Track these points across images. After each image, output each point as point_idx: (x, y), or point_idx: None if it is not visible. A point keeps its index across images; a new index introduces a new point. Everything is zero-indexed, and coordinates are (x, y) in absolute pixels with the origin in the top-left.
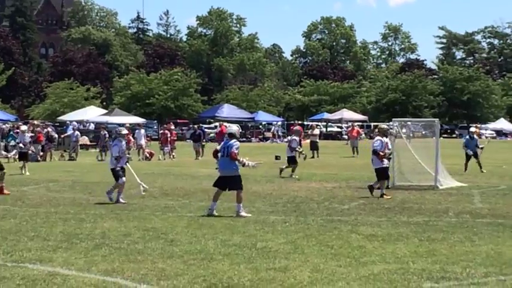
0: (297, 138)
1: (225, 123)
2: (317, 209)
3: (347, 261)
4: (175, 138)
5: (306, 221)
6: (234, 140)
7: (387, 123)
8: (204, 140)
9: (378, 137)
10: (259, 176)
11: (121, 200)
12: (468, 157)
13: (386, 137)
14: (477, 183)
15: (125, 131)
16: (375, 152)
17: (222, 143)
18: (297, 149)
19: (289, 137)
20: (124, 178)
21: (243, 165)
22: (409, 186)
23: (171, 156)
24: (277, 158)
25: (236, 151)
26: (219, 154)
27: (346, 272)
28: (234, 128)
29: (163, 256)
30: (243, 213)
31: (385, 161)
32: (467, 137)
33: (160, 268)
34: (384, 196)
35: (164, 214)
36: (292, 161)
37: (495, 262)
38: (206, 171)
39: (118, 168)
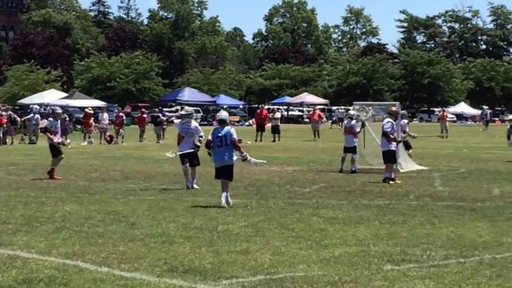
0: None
1: (187, 107)
2: (278, 192)
3: (308, 244)
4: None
5: (267, 204)
6: (229, 127)
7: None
8: (165, 124)
9: (389, 119)
10: None
11: (195, 186)
12: None
13: (396, 119)
14: (437, 167)
15: (185, 111)
16: (385, 134)
17: (213, 131)
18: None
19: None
20: (186, 164)
21: (244, 159)
22: (370, 170)
23: (143, 139)
24: (239, 141)
25: (237, 137)
26: (213, 144)
27: (307, 255)
28: (225, 114)
29: (124, 239)
30: (231, 201)
31: (393, 144)
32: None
33: (121, 251)
34: (390, 181)
35: (125, 197)
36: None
37: (455, 244)
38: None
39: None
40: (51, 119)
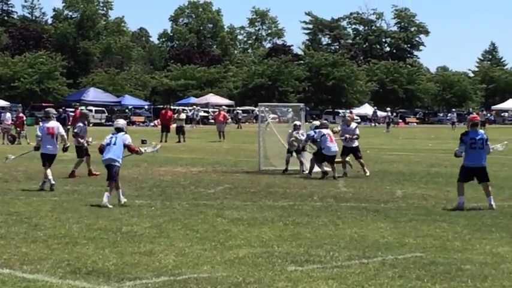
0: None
1: (81, 107)
2: (183, 193)
3: (212, 245)
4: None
5: (172, 205)
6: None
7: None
8: (70, 124)
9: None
10: (125, 159)
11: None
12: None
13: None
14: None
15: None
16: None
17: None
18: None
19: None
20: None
21: (137, 153)
22: (274, 171)
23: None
24: (143, 142)
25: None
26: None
27: (211, 256)
28: (122, 122)
29: (27, 240)
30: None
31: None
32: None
33: (24, 252)
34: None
35: (28, 198)
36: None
37: (358, 245)
38: (71, 155)
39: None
40: (80, 124)
